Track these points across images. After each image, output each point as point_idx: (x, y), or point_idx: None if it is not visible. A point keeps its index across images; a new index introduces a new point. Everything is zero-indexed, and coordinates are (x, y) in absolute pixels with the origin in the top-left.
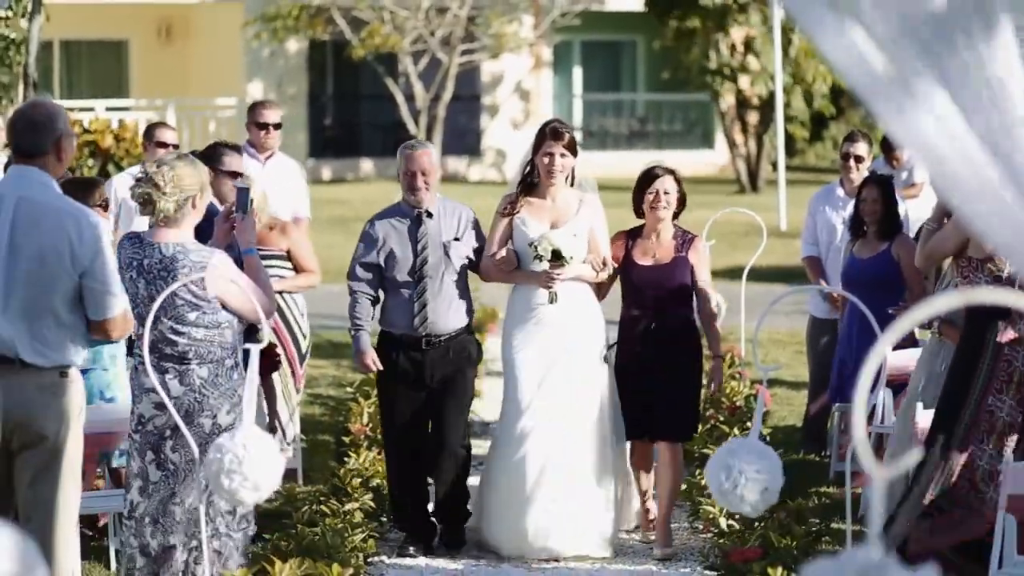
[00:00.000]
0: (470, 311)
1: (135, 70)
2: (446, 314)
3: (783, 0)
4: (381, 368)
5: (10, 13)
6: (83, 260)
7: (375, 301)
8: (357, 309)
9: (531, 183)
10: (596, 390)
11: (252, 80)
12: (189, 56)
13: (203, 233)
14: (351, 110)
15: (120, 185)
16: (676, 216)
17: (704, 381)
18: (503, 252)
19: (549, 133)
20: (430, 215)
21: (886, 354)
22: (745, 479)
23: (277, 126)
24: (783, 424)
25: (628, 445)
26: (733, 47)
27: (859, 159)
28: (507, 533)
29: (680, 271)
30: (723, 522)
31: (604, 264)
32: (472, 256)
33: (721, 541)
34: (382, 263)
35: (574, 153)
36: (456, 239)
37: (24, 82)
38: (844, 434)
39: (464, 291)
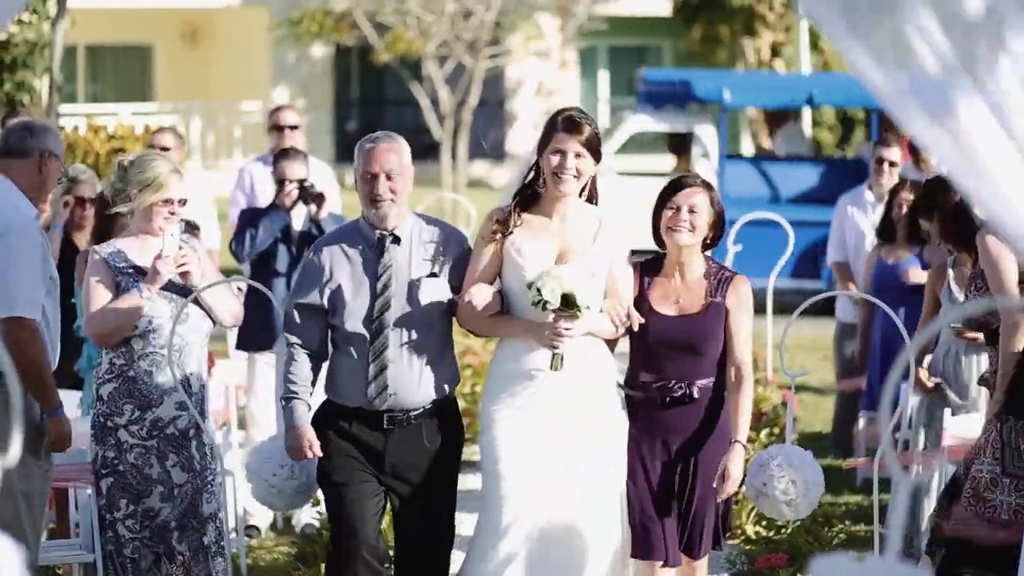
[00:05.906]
0: (452, 377)
1: (160, 75)
2: (415, 382)
3: (806, 8)
4: (320, 455)
5: (35, 18)
6: None
7: (318, 358)
8: (292, 369)
9: (533, 193)
10: (610, 494)
11: (277, 85)
12: (214, 61)
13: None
14: (376, 115)
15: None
16: (708, 247)
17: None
18: (483, 293)
19: (561, 124)
20: (397, 240)
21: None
22: (784, 483)
23: (293, 127)
24: (809, 430)
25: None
26: (759, 52)
27: (892, 164)
28: None
29: (713, 325)
30: (750, 528)
31: (628, 318)
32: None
33: (748, 547)
34: (326, 305)
35: (595, 155)
36: (433, 275)
37: (49, 86)
38: (870, 429)
39: (444, 349)
